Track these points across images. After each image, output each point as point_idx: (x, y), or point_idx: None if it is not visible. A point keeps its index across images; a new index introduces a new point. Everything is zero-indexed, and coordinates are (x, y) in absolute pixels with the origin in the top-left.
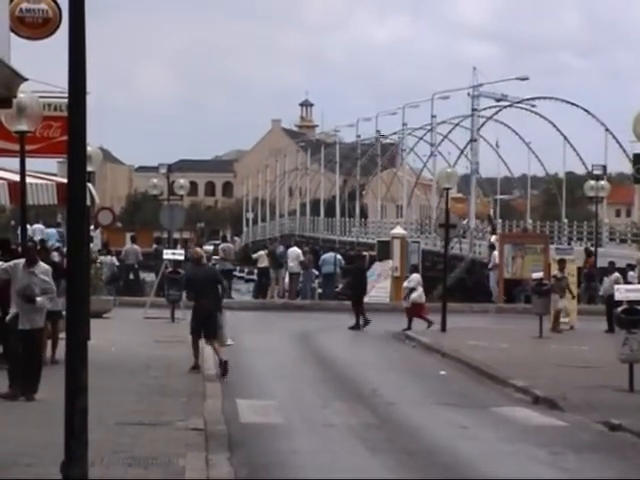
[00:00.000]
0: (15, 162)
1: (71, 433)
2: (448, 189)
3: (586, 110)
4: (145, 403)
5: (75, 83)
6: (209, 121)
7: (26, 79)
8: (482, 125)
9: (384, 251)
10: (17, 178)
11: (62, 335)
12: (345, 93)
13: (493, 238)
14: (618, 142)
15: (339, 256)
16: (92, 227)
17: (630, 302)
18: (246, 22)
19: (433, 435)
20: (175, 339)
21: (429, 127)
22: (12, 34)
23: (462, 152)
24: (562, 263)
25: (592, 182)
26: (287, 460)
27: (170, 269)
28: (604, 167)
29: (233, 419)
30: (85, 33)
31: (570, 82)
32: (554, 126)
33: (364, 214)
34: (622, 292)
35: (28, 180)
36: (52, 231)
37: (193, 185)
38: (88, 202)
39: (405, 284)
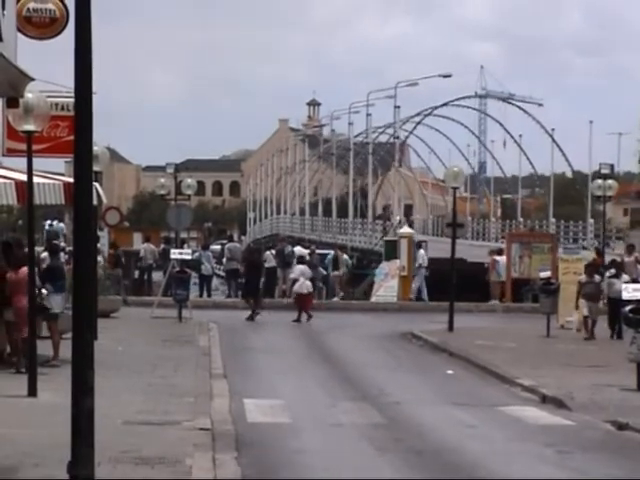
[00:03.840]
0: (23, 162)
1: (77, 433)
2: (455, 188)
3: (526, 111)
4: (152, 403)
5: (81, 83)
6: (216, 121)
7: (33, 79)
8: (413, 129)
9: (391, 250)
10: (24, 178)
11: (65, 336)
12: (352, 93)
13: None
14: (561, 149)
15: (345, 256)
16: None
17: (638, 301)
18: (252, 23)
19: (441, 434)
20: (182, 339)
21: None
22: (19, 34)
23: (398, 160)
24: (590, 267)
25: (599, 181)
26: (294, 460)
27: (177, 269)
28: (612, 166)
29: (240, 419)
30: (91, 32)
31: (574, 81)
32: (502, 127)
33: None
34: (630, 291)
35: (35, 180)
36: (60, 226)
37: (200, 185)
38: (95, 202)
39: (291, 275)
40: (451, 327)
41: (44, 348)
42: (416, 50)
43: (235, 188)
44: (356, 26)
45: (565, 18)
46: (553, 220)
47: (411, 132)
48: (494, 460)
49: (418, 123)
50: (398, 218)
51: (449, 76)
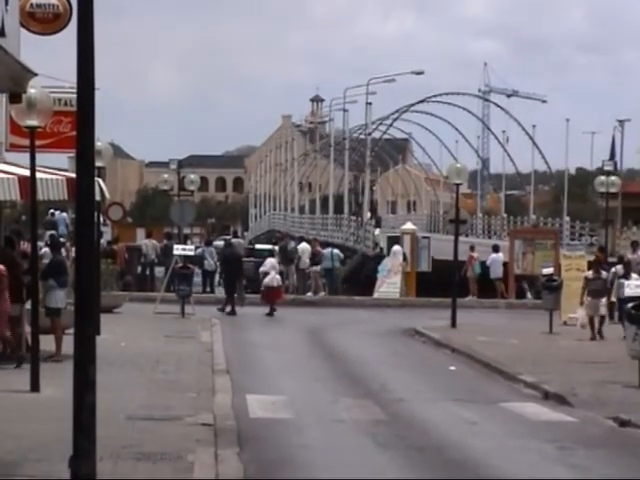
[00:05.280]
0: (26, 157)
1: (79, 428)
2: (458, 184)
3: (503, 109)
4: (155, 398)
5: (83, 78)
6: (220, 117)
7: (36, 74)
8: (388, 127)
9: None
10: (27, 173)
11: (68, 331)
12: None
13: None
14: (538, 147)
15: (336, 250)
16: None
17: None
18: (255, 19)
19: (443, 431)
20: (185, 334)
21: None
22: (22, 29)
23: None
24: (596, 264)
25: (602, 177)
26: (296, 456)
27: (180, 264)
28: (615, 163)
29: (242, 414)
30: (93, 27)
31: (576, 78)
32: (484, 124)
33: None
34: (632, 288)
35: (38, 175)
36: (62, 215)
37: (204, 180)
38: (98, 197)
39: (261, 268)
40: (454, 323)
41: (47, 343)
42: (418, 47)
43: (238, 184)
44: (359, 23)
45: (567, 15)
46: (533, 217)
47: (388, 128)
48: (496, 457)
49: (395, 119)
50: (369, 215)
51: (421, 73)
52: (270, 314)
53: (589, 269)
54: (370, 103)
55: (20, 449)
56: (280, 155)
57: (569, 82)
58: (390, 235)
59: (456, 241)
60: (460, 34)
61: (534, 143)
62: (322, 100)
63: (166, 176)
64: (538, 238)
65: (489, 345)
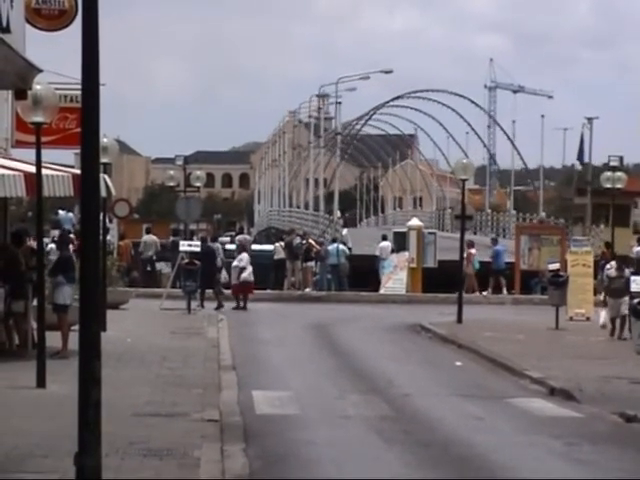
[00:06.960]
0: (31, 153)
1: (85, 424)
2: (465, 180)
3: (479, 105)
4: (161, 394)
5: (88, 74)
6: (226, 113)
7: (41, 70)
8: (362, 127)
9: (400, 242)
10: (33, 170)
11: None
12: (360, 85)
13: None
14: (513, 143)
15: (342, 246)
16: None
17: None
18: (260, 15)
19: (449, 426)
20: (191, 330)
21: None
22: (28, 26)
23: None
24: (620, 262)
25: (608, 173)
26: (302, 451)
27: (186, 260)
28: (621, 158)
29: (248, 410)
30: (98, 23)
31: (580, 74)
32: (467, 119)
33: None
34: (638, 284)
35: (44, 172)
36: (68, 215)
37: (210, 177)
38: (104, 193)
39: (235, 263)
40: (460, 319)
41: (53, 340)
42: (423, 42)
43: (244, 180)
44: (364, 17)
45: (572, 10)
46: (514, 212)
47: (361, 128)
48: (502, 452)
49: (369, 118)
50: (338, 213)
51: (390, 72)
52: (244, 308)
53: (600, 267)
54: (340, 103)
55: (26, 445)
56: (275, 151)
57: (574, 77)
58: (396, 231)
59: (462, 237)
60: (465, 29)
61: (510, 140)
62: (326, 95)
63: (172, 172)
64: (544, 234)
65: (495, 341)
